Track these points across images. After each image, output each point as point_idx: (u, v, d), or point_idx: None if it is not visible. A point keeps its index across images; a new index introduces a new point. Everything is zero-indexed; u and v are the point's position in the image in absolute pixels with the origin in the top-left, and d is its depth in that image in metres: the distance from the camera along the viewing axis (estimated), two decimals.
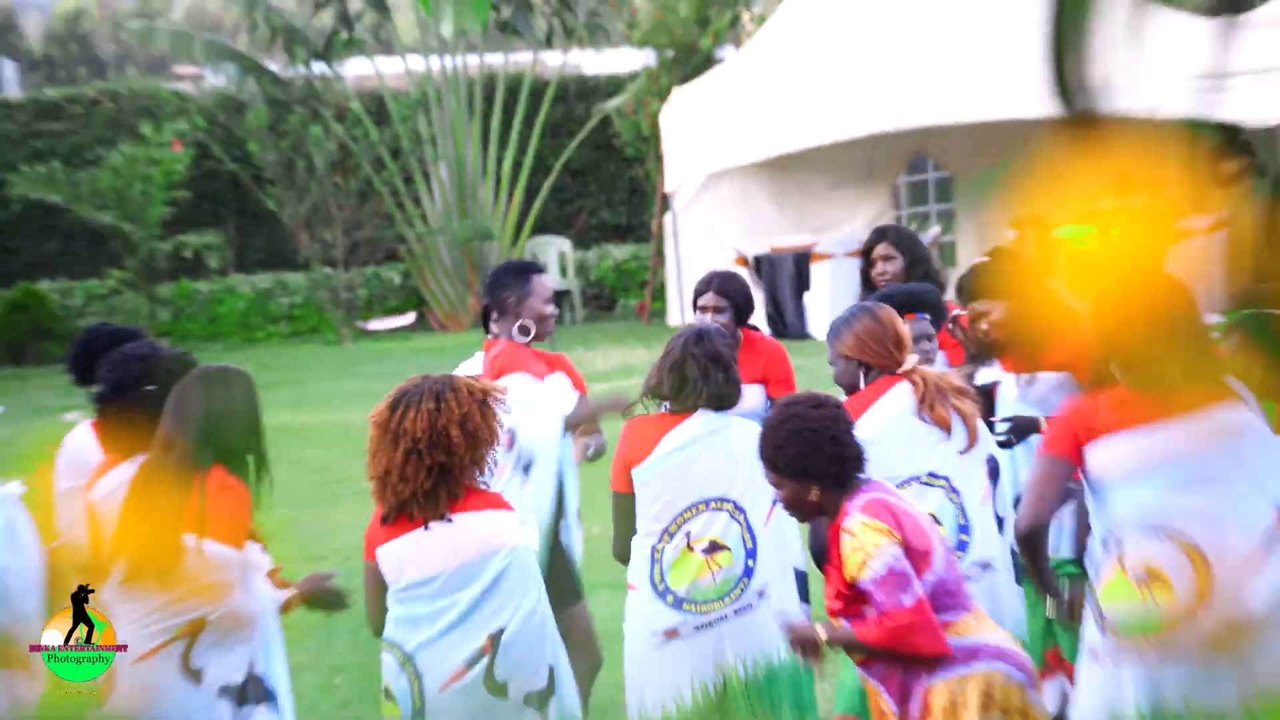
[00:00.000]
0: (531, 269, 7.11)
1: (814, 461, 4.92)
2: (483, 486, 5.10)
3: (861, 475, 4.83)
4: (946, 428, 5.54)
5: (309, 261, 24.38)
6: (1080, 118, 1.22)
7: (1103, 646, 4.82)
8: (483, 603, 4.99)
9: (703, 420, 5.61)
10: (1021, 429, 6.33)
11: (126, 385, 5.84)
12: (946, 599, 4.73)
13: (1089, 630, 4.92)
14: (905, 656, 4.69)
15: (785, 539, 5.88)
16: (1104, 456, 4.85)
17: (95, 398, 6.13)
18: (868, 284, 7.90)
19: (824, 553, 5.04)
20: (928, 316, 6.74)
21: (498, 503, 5.10)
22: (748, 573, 5.62)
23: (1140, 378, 4.87)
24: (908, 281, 7.54)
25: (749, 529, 5.64)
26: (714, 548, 5.60)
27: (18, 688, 5.60)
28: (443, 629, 4.98)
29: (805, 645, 4.88)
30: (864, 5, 19.20)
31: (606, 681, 6.91)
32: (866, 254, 7.97)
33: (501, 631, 4.98)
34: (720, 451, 5.65)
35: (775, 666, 5.61)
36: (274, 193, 23.92)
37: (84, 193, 23.13)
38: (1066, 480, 5.02)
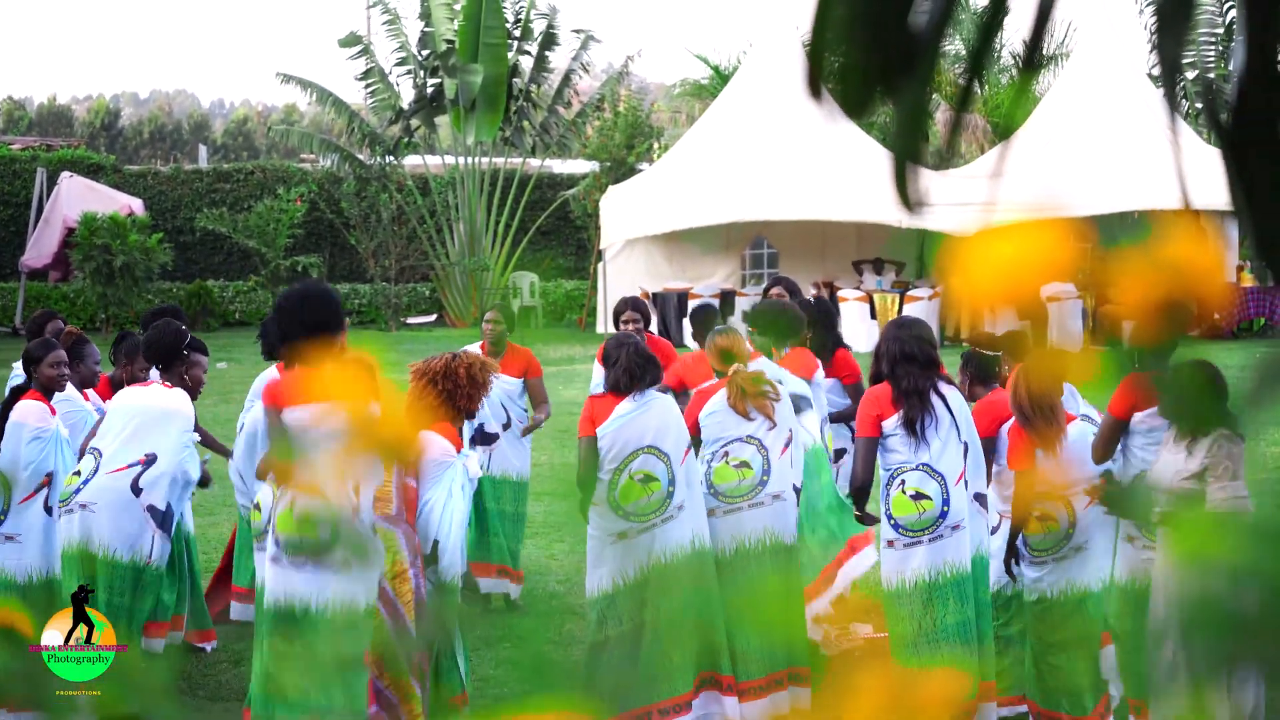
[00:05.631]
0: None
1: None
2: (470, 420, 5.56)
3: None
4: (744, 415, 6.17)
5: (373, 278, 27.77)
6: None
7: (895, 538, 5.76)
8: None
9: (635, 398, 6.03)
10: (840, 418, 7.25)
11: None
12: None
13: (884, 529, 5.81)
14: None
15: (695, 469, 6.19)
16: (885, 429, 5.69)
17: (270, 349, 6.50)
18: None
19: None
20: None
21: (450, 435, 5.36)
22: (669, 495, 6.01)
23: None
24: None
25: (671, 465, 6.03)
26: (646, 479, 6.01)
27: None
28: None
29: None
30: (727, 144, 22.83)
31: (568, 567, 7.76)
32: (765, 291, 8.29)
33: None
34: (650, 416, 6.04)
35: (690, 554, 6.09)
36: (355, 234, 27.40)
37: (240, 228, 26.53)
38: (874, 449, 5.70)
